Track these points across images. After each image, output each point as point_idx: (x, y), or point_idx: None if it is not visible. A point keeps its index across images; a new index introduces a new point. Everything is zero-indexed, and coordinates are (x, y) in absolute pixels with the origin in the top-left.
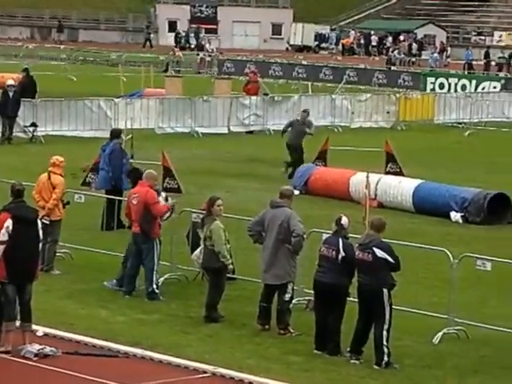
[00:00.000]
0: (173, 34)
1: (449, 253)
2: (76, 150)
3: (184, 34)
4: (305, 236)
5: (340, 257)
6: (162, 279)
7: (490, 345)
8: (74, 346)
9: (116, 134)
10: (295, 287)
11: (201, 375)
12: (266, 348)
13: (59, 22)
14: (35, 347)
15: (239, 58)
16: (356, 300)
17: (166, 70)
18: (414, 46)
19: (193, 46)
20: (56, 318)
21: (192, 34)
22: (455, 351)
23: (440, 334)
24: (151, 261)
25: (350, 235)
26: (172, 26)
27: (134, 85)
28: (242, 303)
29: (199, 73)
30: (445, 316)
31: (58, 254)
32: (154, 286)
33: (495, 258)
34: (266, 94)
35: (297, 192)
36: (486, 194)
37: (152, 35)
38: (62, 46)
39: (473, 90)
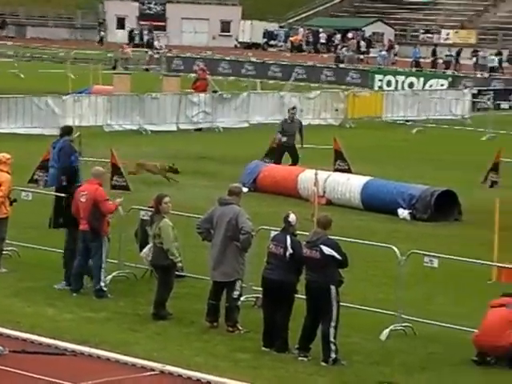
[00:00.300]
0: (121, 31)
1: (396, 250)
2: (23, 147)
3: (138, 32)
4: (253, 233)
5: (288, 254)
6: (110, 277)
7: (437, 341)
8: (21, 345)
9: (66, 131)
10: (244, 284)
11: (149, 373)
12: (214, 345)
13: (2, 18)
14: None
15: (188, 55)
16: (304, 297)
17: (114, 68)
18: (363, 43)
19: (142, 43)
20: (2, 316)
21: (146, 32)
22: (403, 348)
23: (387, 330)
24: (99, 259)
25: (299, 232)
26: (120, 23)
27: (83, 82)
28: (191, 301)
29: (147, 70)
30: (392, 313)
31: (4, 252)
32: (102, 284)
33: (442, 255)
34: (215, 92)
35: (245, 189)
36: (433, 191)
37: (102, 32)
38: (9, 43)
39: (420, 88)
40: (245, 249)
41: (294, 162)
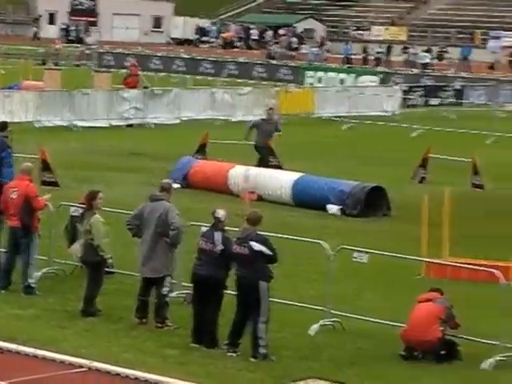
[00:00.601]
0: (53, 27)
1: (326, 245)
2: None
3: (74, 28)
4: (183, 229)
5: (217, 250)
6: (39, 273)
7: (366, 336)
8: None
9: (1, 126)
10: (174, 281)
11: (76, 370)
12: (143, 341)
13: None
14: None
15: (119, 50)
16: (234, 293)
17: (44, 63)
18: (294, 40)
19: (73, 39)
20: None
21: (76, 27)
22: (331, 343)
23: (316, 325)
24: (29, 255)
25: (230, 228)
26: (51, 18)
27: (13, 77)
28: (120, 297)
29: (78, 66)
30: (321, 308)
31: None
32: (31, 281)
33: (371, 251)
34: (146, 87)
35: (176, 185)
36: (363, 187)
37: (36, 28)
38: None
39: (351, 84)
40: (174, 245)
41: (260, 163)
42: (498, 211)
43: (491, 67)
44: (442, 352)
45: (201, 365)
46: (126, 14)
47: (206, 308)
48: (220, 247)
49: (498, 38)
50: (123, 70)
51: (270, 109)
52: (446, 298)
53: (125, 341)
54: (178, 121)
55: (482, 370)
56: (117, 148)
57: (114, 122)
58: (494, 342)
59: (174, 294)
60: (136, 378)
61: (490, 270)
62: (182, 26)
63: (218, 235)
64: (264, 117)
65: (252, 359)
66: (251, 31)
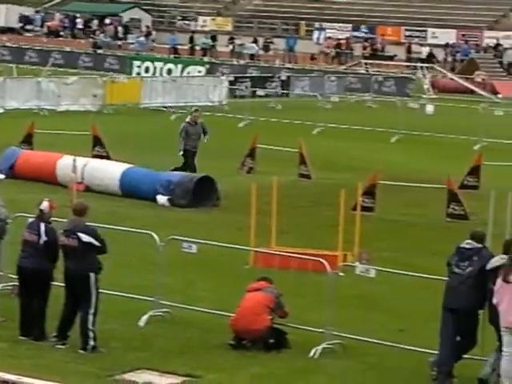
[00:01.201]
0: None
1: (155, 236)
2: None
3: None
4: (9, 220)
5: (42, 241)
6: None
7: (196, 326)
8: None
9: None
10: (0, 273)
11: None
12: None
13: None
14: None
15: None
16: (63, 285)
17: None
18: (120, 29)
19: None
20: None
21: None
22: (161, 333)
23: (146, 316)
24: None
25: (59, 219)
26: None
27: None
28: None
29: None
30: (151, 298)
31: None
32: None
33: (200, 241)
34: None
35: (2, 176)
36: (191, 178)
37: None
38: None
39: (178, 74)
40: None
41: (181, 167)
42: (324, 201)
43: (313, 58)
44: (271, 341)
45: (29, 357)
46: None
47: (33, 300)
48: (44, 239)
49: (322, 29)
50: None
51: (196, 110)
52: (275, 287)
53: None
54: (1, 110)
55: (309, 358)
56: None
57: None
58: (321, 330)
59: (0, 287)
60: None
61: (317, 259)
62: (5, 14)
63: (42, 226)
64: (188, 120)
65: (81, 351)
66: (77, 20)
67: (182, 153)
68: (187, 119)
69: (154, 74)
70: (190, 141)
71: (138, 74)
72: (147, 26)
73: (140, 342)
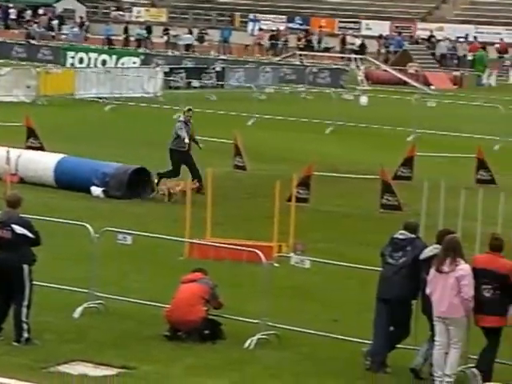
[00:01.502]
0: None
1: (89, 227)
2: None
3: None
4: None
5: None
6: None
7: (131, 318)
8: None
9: None
10: None
11: None
12: None
13: None
14: None
15: None
16: None
17: None
18: (54, 20)
19: None
20: None
21: None
22: (96, 325)
23: (80, 308)
24: None
25: None
26: None
27: None
28: None
29: None
30: (85, 290)
31: None
32: None
33: (135, 232)
34: None
35: None
36: (126, 169)
37: None
38: None
39: (113, 65)
40: None
41: (168, 174)
42: (259, 192)
43: (245, 48)
44: (206, 332)
45: None
46: None
47: None
48: None
49: (257, 21)
50: None
51: (189, 110)
52: (210, 278)
53: None
54: None
55: (244, 348)
56: None
57: None
58: (256, 321)
59: None
60: None
61: (252, 249)
62: None
63: None
64: (182, 119)
65: (15, 343)
66: (10, 10)
67: (187, 140)
68: (181, 118)
69: (88, 65)
70: (181, 142)
71: (72, 64)
72: (81, 17)
73: (74, 334)
